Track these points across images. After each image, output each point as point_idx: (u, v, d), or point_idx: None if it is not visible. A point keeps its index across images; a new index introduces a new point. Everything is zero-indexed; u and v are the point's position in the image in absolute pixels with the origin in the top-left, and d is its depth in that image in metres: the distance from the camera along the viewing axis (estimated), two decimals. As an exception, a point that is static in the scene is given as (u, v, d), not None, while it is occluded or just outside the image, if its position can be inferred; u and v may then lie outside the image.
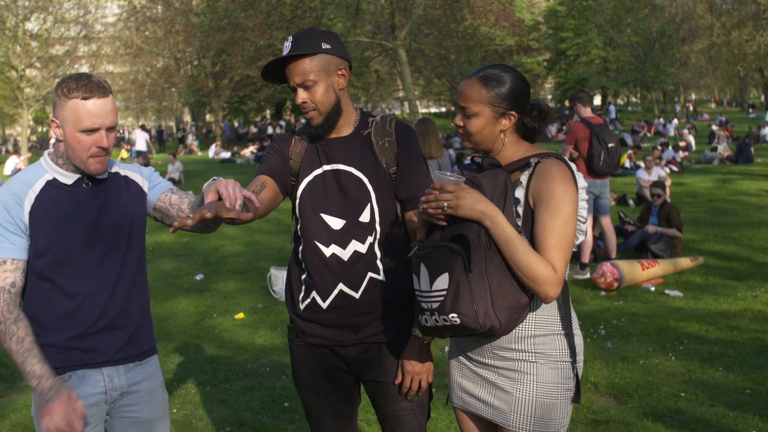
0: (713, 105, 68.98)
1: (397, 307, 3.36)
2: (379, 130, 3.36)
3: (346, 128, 3.34)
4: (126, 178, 3.22)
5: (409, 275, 3.31)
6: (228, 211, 2.54)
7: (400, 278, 3.34)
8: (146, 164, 31.38)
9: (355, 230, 3.28)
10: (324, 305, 3.32)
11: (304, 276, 3.37)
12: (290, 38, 3.23)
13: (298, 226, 3.37)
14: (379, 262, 3.32)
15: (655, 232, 11.11)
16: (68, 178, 3.06)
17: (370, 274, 3.30)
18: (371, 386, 3.45)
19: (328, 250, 3.29)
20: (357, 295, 3.29)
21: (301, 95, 3.20)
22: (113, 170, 3.20)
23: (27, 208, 2.97)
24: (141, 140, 36.86)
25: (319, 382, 3.45)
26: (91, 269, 3.04)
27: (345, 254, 3.28)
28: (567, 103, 44.98)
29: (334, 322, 3.34)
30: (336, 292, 3.29)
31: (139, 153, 35.78)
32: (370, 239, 3.30)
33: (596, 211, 10.32)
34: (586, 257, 10.28)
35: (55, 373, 2.90)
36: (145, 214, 3.24)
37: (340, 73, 3.26)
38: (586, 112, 10.28)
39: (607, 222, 10.55)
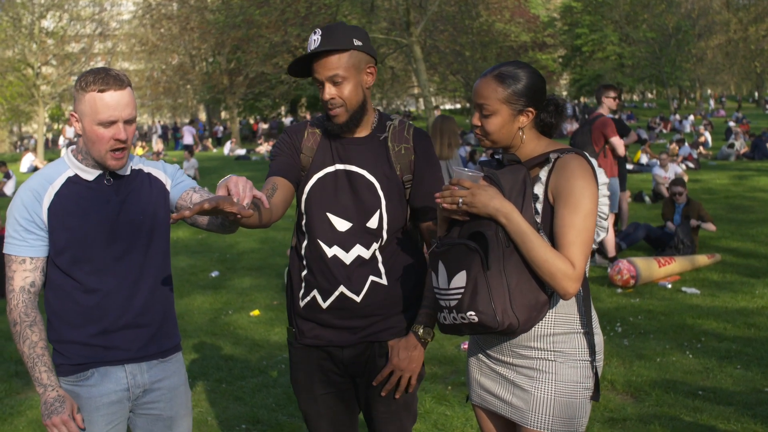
0: (712, 102, 68.62)
1: (398, 310, 3.31)
2: (396, 136, 3.30)
3: (363, 129, 3.28)
4: (149, 175, 3.22)
5: (412, 279, 3.31)
6: (231, 206, 2.53)
7: (403, 282, 3.30)
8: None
9: (362, 235, 3.23)
10: (324, 305, 3.26)
11: (305, 273, 3.32)
12: (318, 31, 3.14)
13: (303, 221, 3.32)
14: (381, 266, 3.27)
15: (697, 226, 11.12)
16: (89, 174, 3.06)
17: (372, 278, 3.25)
18: (363, 387, 3.39)
19: (330, 251, 3.23)
20: (358, 299, 3.24)
21: (330, 91, 3.12)
22: (136, 167, 3.20)
23: (46, 204, 2.99)
24: (188, 135, 38.98)
25: (317, 386, 3.39)
26: (110, 265, 3.05)
27: (347, 258, 3.23)
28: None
29: (333, 322, 3.28)
30: (337, 293, 3.24)
31: (186, 147, 37.43)
32: (375, 245, 3.25)
33: None
34: (612, 251, 10.30)
35: (59, 385, 3.00)
36: (168, 211, 3.22)
37: (369, 71, 3.21)
38: (599, 109, 10.59)
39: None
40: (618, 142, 10.14)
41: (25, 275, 3.00)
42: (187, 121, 67.72)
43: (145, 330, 3.13)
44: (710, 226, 11.32)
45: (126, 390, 3.11)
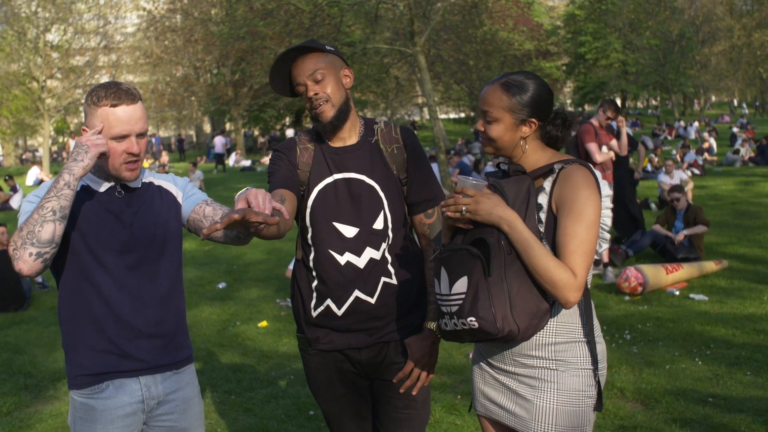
0: (745, 107, 68.76)
1: (410, 308, 3.39)
2: (385, 137, 3.40)
3: (352, 136, 3.38)
4: (160, 187, 3.24)
5: (418, 276, 3.39)
6: (256, 215, 2.56)
7: (411, 280, 3.38)
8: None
9: (369, 238, 3.31)
10: (339, 312, 3.33)
11: (315, 283, 3.37)
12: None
13: (309, 234, 3.38)
14: (390, 267, 3.35)
15: (683, 239, 11.03)
16: (101, 185, 3.08)
17: (383, 279, 3.33)
18: (378, 385, 3.46)
19: (342, 258, 3.30)
20: (373, 301, 3.31)
21: (313, 87, 3.25)
22: (147, 180, 3.22)
23: None
24: (219, 145, 40.19)
25: (338, 387, 3.47)
26: (124, 275, 3.05)
27: (360, 262, 3.30)
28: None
29: (349, 327, 3.35)
30: (352, 298, 3.31)
31: (217, 155, 39.55)
32: (383, 245, 3.33)
33: None
34: (606, 257, 10.39)
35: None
36: (179, 223, 3.25)
37: (345, 74, 3.34)
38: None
39: None
40: (594, 148, 10.00)
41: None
42: (192, 132, 67.91)
43: (158, 340, 3.13)
44: (699, 228, 11.18)
45: (141, 402, 3.11)
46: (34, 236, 2.77)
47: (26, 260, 2.77)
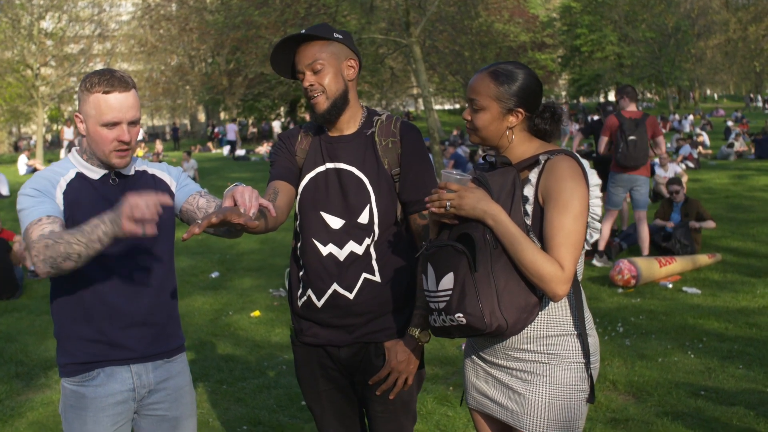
0: (760, 99, 68.83)
1: (393, 309, 3.31)
2: (383, 130, 3.33)
3: (351, 126, 3.32)
4: (153, 176, 3.23)
5: (406, 277, 3.30)
6: (238, 217, 2.56)
7: (397, 280, 3.30)
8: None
9: (354, 231, 3.25)
10: (319, 304, 3.29)
11: (301, 273, 3.35)
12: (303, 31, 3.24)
13: (298, 222, 3.36)
14: (374, 263, 3.27)
15: (696, 227, 11.10)
16: (95, 173, 3.07)
17: (364, 275, 3.25)
18: (360, 386, 3.41)
19: (325, 249, 3.26)
20: (351, 296, 3.25)
21: (309, 78, 3.20)
22: (141, 168, 3.21)
23: (60, 192, 2.97)
24: (231, 132, 41.21)
25: (321, 382, 3.42)
26: (117, 263, 3.04)
27: (341, 254, 3.24)
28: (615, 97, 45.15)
29: (329, 321, 3.30)
30: (330, 291, 3.26)
31: (229, 142, 40.66)
32: (367, 241, 3.26)
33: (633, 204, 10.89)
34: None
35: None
36: (172, 212, 3.23)
37: (349, 64, 3.27)
38: (629, 106, 10.63)
39: (639, 216, 10.74)
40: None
41: (42, 227, 2.82)
42: (186, 121, 67.85)
43: (150, 329, 3.12)
44: (710, 224, 11.31)
45: (131, 390, 3.10)
46: (55, 262, 2.73)
47: (42, 270, 2.76)
